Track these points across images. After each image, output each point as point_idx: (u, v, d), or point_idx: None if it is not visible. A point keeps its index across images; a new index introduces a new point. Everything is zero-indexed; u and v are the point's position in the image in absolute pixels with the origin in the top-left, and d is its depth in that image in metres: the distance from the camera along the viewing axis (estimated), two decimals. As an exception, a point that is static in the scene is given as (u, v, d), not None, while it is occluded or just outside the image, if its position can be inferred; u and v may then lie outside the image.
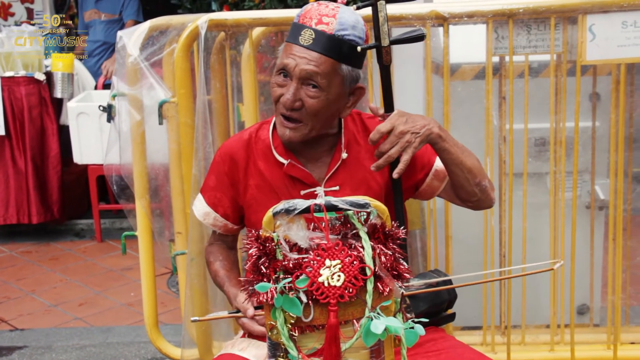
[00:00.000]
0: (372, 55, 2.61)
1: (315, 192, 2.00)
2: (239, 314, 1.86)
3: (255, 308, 1.84)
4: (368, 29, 1.95)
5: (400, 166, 1.88)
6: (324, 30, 1.85)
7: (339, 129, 2.04)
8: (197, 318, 1.78)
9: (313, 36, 1.85)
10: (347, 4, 1.97)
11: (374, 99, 2.65)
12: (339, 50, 1.85)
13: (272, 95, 1.94)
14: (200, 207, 2.14)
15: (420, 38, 1.95)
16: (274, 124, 2.04)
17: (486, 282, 1.76)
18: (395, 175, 1.90)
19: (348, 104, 1.97)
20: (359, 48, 1.87)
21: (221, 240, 2.18)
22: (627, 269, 2.91)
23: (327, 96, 1.88)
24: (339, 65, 1.87)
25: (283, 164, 2.01)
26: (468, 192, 2.03)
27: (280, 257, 1.55)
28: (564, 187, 2.71)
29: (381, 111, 1.97)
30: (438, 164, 2.06)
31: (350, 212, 1.57)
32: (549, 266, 1.70)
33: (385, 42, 1.93)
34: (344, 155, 2.01)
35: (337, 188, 2.00)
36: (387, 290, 1.55)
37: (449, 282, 1.93)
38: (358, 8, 1.95)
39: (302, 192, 2.00)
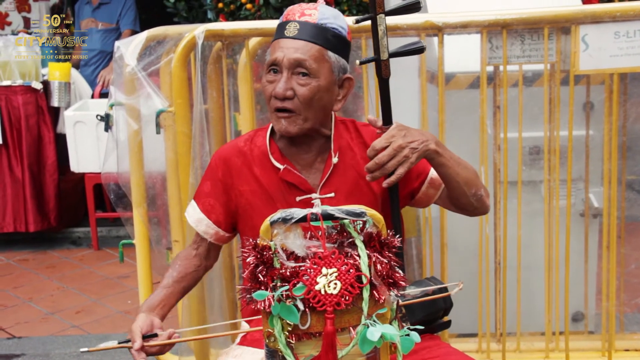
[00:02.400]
0: (367, 67, 2.63)
1: (311, 199, 2.01)
2: (129, 344, 1.81)
3: (144, 337, 1.81)
4: (349, 28, 2.00)
5: (392, 178, 1.90)
6: (308, 20, 1.92)
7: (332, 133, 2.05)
8: (86, 349, 1.75)
9: (298, 27, 1.91)
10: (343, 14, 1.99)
11: (370, 110, 2.67)
12: (324, 37, 1.91)
13: (264, 95, 1.97)
14: (194, 214, 2.14)
15: (419, 51, 1.96)
16: (271, 130, 2.06)
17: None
18: (384, 184, 1.92)
19: (339, 97, 1.99)
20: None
21: (197, 245, 2.16)
22: (621, 276, 2.93)
23: (317, 82, 1.91)
24: (325, 52, 1.91)
25: (279, 169, 2.02)
26: (464, 203, 2.05)
27: (277, 266, 1.56)
28: (558, 195, 2.73)
29: (379, 123, 1.97)
30: (433, 172, 2.07)
31: (346, 221, 1.59)
32: (450, 290, 1.83)
33: (384, 55, 1.94)
34: (335, 160, 2.03)
35: (332, 195, 2.01)
36: (383, 298, 1.56)
37: (445, 290, 1.94)
38: (357, 22, 1.97)
39: (298, 199, 2.01)
